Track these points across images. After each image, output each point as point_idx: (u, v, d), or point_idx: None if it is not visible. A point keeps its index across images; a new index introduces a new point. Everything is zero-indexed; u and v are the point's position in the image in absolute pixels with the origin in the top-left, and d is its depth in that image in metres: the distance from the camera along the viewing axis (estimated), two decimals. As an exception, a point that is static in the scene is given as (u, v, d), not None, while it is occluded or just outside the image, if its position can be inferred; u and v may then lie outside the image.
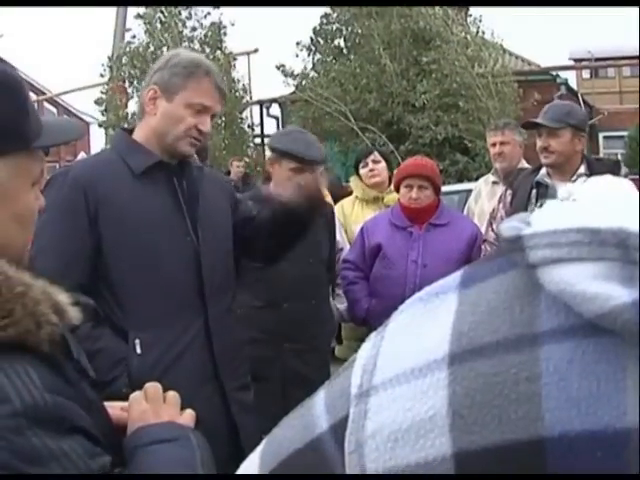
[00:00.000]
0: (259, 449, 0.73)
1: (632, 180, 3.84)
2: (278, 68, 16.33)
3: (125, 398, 2.19)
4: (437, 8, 15.56)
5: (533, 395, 0.53)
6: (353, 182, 5.28)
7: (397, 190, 4.27)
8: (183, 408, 2.30)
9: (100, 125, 17.19)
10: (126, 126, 14.53)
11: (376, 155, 5.03)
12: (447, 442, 0.55)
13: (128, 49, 16.69)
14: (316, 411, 0.67)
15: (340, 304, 4.35)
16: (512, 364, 0.54)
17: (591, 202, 0.59)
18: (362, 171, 5.02)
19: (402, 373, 0.59)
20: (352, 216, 4.99)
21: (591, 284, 0.52)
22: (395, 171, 4.72)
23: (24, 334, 1.05)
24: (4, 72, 1.21)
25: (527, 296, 0.56)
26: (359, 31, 15.80)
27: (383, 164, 5.00)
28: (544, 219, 0.58)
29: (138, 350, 2.29)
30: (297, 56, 16.71)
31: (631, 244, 0.52)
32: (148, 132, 2.46)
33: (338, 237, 4.39)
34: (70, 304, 1.16)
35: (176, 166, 2.49)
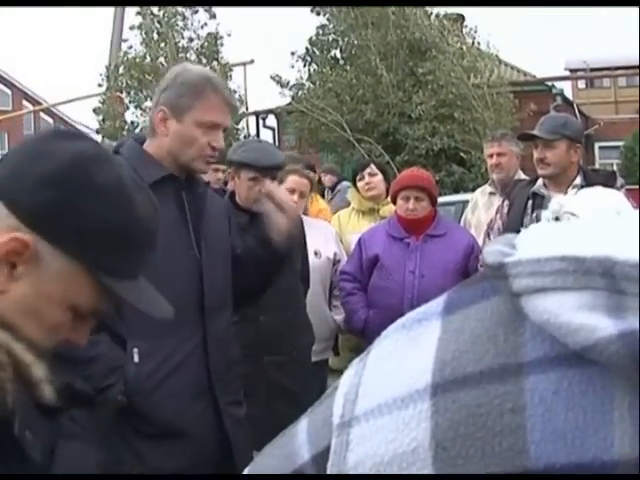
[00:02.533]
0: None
1: (629, 191, 3.83)
2: (273, 78, 16.34)
3: (119, 406, 2.19)
4: (433, 18, 15.63)
5: (518, 427, 0.51)
6: (350, 193, 5.33)
7: (394, 201, 4.29)
8: (175, 420, 2.30)
9: (98, 132, 17.21)
10: (125, 134, 14.46)
11: (372, 168, 5.05)
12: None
13: (125, 59, 16.71)
14: (298, 440, 0.65)
15: (337, 315, 4.36)
16: (496, 395, 0.53)
17: (577, 225, 0.58)
18: (359, 184, 5.05)
19: (384, 403, 0.57)
20: (348, 226, 5.01)
21: (576, 315, 0.50)
22: (392, 182, 4.74)
23: None
24: (141, 194, 1.17)
25: (511, 324, 0.55)
26: (355, 42, 15.82)
27: (379, 177, 5.02)
28: (529, 244, 0.56)
29: (135, 359, 2.29)
30: (293, 67, 16.75)
31: (617, 273, 0.50)
32: (161, 151, 2.44)
33: (336, 249, 4.40)
34: (45, 381, 1.07)
35: (184, 181, 2.48)
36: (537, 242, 0.56)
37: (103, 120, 16.95)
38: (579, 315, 0.50)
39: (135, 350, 2.29)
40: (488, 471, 0.52)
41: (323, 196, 9.01)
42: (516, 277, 0.54)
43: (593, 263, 0.51)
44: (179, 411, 2.34)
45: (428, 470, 0.54)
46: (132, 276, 1.19)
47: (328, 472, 0.60)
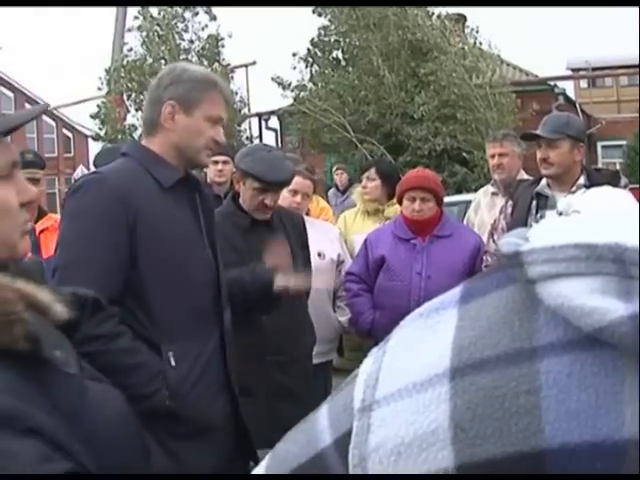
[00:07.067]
0: (264, 464, 0.74)
1: (632, 190, 3.84)
2: (274, 80, 16.34)
3: (168, 411, 2.23)
4: (434, 19, 15.61)
5: (533, 408, 0.54)
6: (356, 194, 5.34)
7: (400, 202, 4.29)
8: (205, 418, 2.36)
9: (95, 139, 17.22)
10: (120, 137, 14.49)
11: (371, 172, 5.06)
12: (449, 455, 0.56)
13: (125, 62, 16.71)
14: (319, 425, 0.68)
15: (341, 316, 4.36)
16: (512, 378, 0.55)
17: (589, 216, 0.60)
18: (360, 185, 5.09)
19: (404, 387, 0.60)
20: (353, 227, 5.02)
21: (589, 298, 0.53)
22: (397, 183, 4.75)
23: None
24: None
25: (526, 311, 0.57)
26: (357, 43, 15.81)
27: (377, 182, 5.03)
28: (542, 234, 0.59)
29: (172, 363, 2.32)
30: (294, 68, 16.75)
31: (627, 259, 0.53)
32: (167, 147, 2.48)
33: (339, 250, 4.40)
34: (53, 301, 1.13)
35: (194, 182, 2.57)
36: (550, 232, 0.59)
37: (102, 123, 16.96)
38: (592, 299, 0.53)
39: (170, 354, 2.32)
40: (505, 450, 0.54)
41: (327, 196, 8.97)
42: (531, 264, 0.57)
43: (605, 250, 0.53)
44: (206, 409, 2.42)
45: (448, 450, 0.56)
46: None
47: (350, 455, 0.62)
